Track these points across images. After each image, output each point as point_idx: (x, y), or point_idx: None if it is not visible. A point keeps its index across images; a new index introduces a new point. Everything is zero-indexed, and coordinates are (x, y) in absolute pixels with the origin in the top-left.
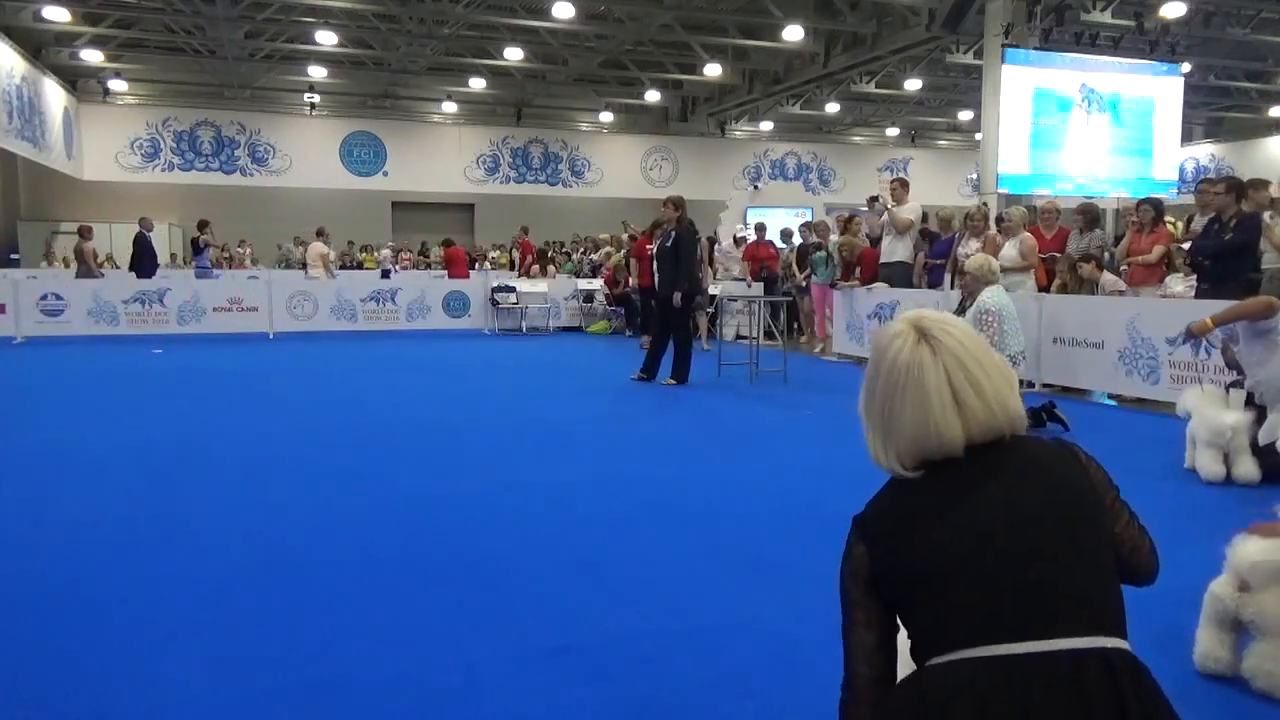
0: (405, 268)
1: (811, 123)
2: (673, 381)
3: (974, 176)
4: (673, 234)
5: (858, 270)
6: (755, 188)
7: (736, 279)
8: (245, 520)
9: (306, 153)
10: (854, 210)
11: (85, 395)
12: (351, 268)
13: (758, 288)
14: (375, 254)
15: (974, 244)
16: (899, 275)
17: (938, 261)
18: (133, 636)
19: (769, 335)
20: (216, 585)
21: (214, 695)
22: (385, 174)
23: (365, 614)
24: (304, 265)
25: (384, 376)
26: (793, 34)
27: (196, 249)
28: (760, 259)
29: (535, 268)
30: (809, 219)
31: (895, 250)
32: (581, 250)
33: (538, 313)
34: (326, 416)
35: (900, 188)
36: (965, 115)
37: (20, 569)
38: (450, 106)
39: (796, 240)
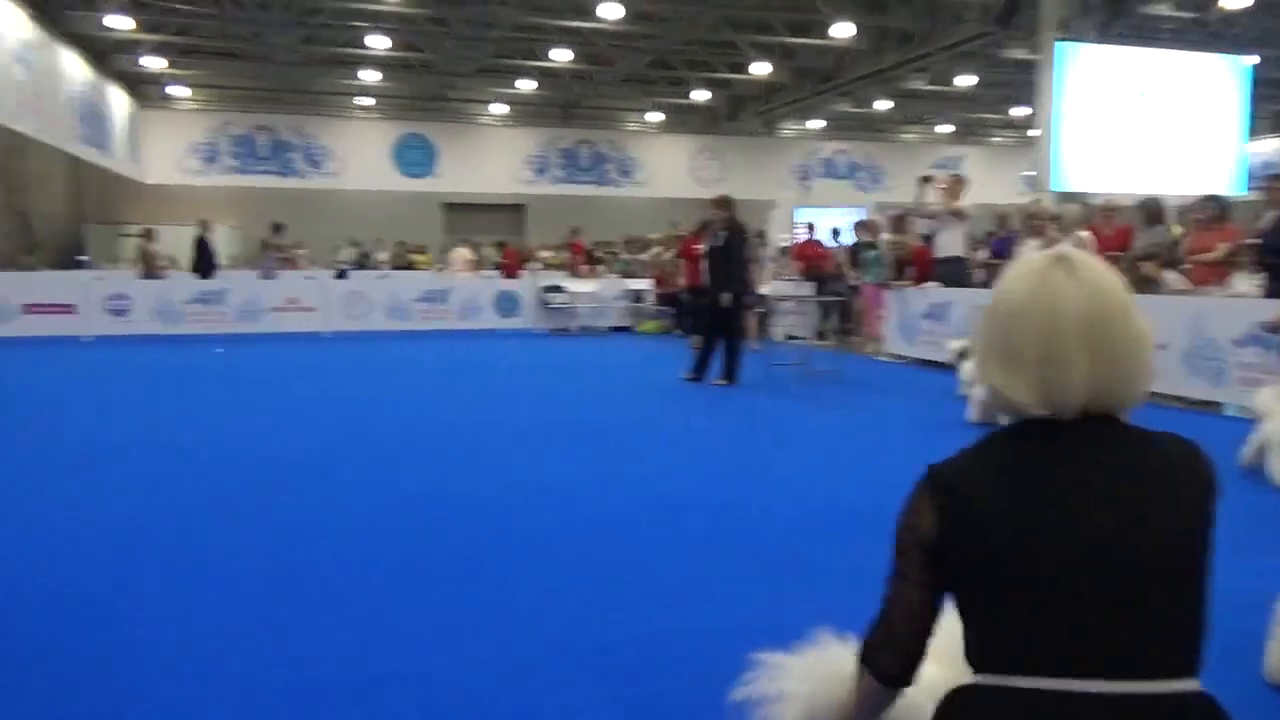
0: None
1: (862, 120)
2: (723, 382)
3: (1029, 173)
4: (723, 234)
5: (909, 270)
6: (806, 187)
7: (788, 279)
8: (288, 518)
9: (359, 155)
10: (906, 209)
11: (147, 394)
12: (402, 268)
13: (808, 287)
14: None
15: (1033, 243)
16: (953, 273)
17: (995, 261)
18: (157, 634)
19: (820, 335)
20: (255, 584)
21: (273, 692)
22: (436, 175)
23: (406, 612)
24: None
25: (435, 376)
26: (842, 31)
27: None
28: (811, 258)
29: (585, 267)
30: (861, 218)
31: (949, 244)
32: (631, 250)
33: (588, 312)
34: (379, 415)
35: (956, 184)
36: (1019, 111)
37: (62, 565)
38: (500, 108)
39: (846, 239)
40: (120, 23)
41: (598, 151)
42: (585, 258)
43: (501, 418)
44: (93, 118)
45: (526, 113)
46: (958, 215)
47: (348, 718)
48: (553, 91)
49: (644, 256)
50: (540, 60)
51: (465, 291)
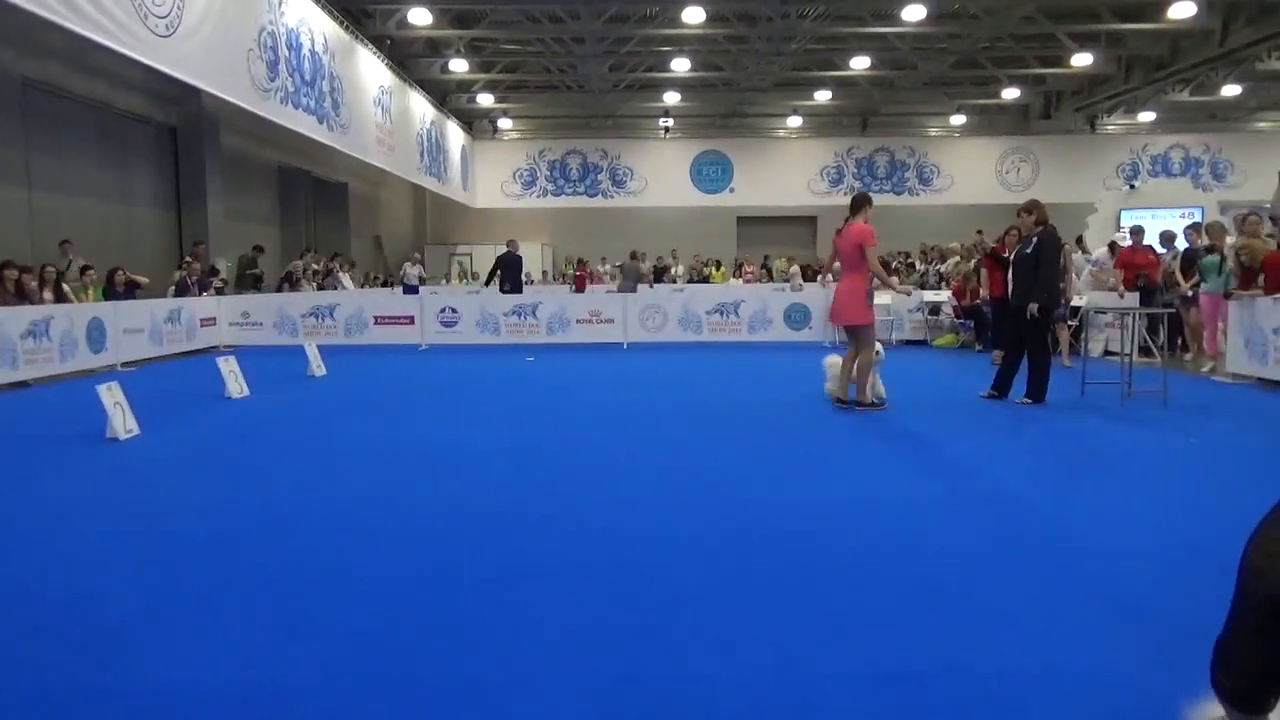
0: (749, 281)
1: (1204, 110)
2: (1028, 400)
3: None
4: (1034, 240)
5: (1260, 278)
6: (1131, 187)
7: (1108, 290)
8: (595, 516)
9: (660, 174)
10: (1256, 208)
11: (470, 398)
12: (697, 282)
13: (1131, 298)
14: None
15: None
16: None
17: None
18: (505, 619)
19: (1145, 352)
20: (574, 574)
21: (574, 675)
22: (732, 190)
23: (706, 614)
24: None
25: (724, 387)
26: (1182, 10)
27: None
28: (1136, 266)
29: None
30: (1198, 220)
31: None
32: (928, 260)
33: (879, 325)
34: (672, 421)
35: None
36: None
37: (401, 553)
38: (795, 120)
39: (1180, 244)
40: (459, 65)
41: (895, 159)
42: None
43: (810, 430)
44: (433, 151)
45: (822, 124)
46: None
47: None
48: (850, 100)
49: (943, 267)
50: (838, 70)
51: (756, 304)
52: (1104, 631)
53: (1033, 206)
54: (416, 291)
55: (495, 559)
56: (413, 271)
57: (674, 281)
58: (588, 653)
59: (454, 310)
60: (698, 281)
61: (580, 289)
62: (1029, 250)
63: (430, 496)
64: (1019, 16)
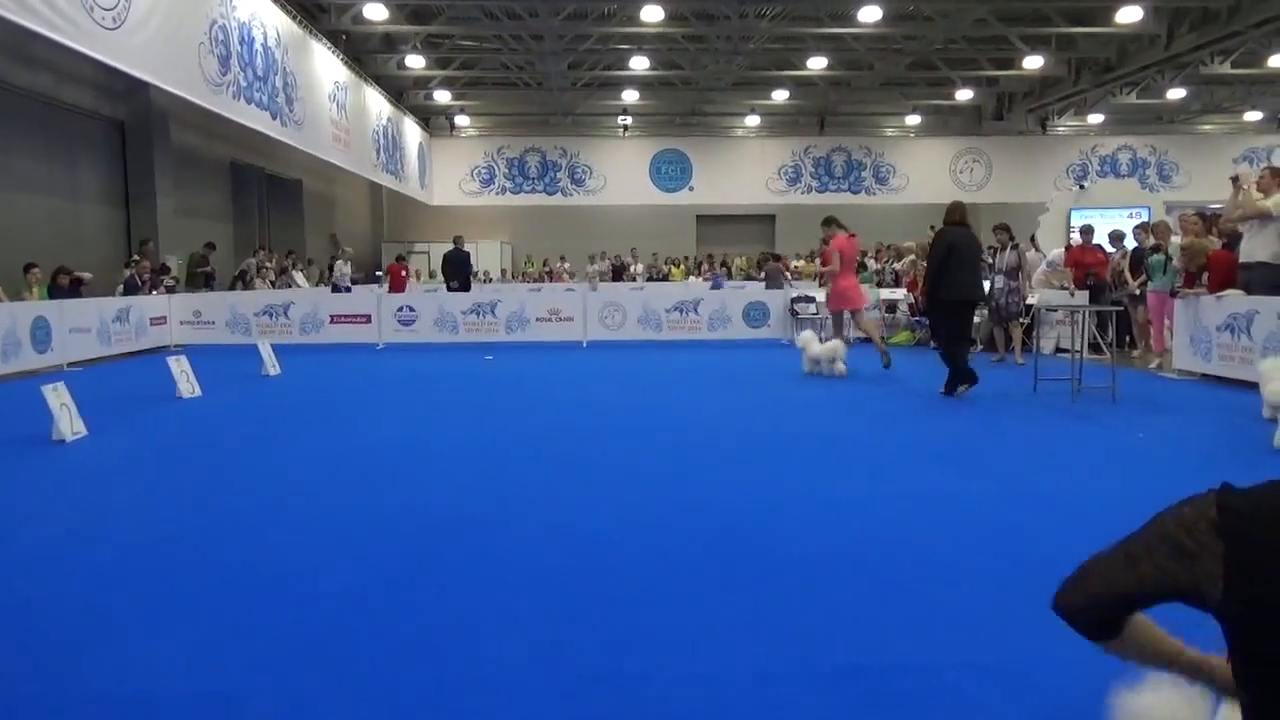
0: (708, 278)
1: (1150, 112)
2: (944, 392)
3: None
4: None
5: (1204, 276)
6: (1081, 187)
7: (1059, 288)
8: (555, 516)
9: (619, 172)
10: (1201, 208)
11: (427, 398)
12: (657, 279)
13: (1081, 296)
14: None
15: None
16: (1261, 280)
17: None
18: (464, 621)
19: (1095, 349)
20: (534, 576)
21: (535, 676)
22: (691, 189)
23: (666, 613)
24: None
25: (681, 384)
26: (1129, 15)
27: None
28: (1086, 265)
29: None
30: (1145, 220)
31: (1256, 249)
32: (882, 260)
33: (839, 322)
34: (633, 420)
35: (1271, 178)
36: None
37: (357, 556)
38: (753, 120)
39: (1129, 244)
40: (415, 61)
41: (852, 159)
42: None
43: (765, 427)
44: (390, 148)
45: (780, 123)
46: (1268, 215)
47: (647, 708)
48: (807, 100)
49: (898, 265)
50: (795, 69)
51: (715, 302)
52: (1059, 624)
53: (947, 209)
54: (349, 291)
55: (454, 561)
56: (345, 269)
57: (633, 280)
58: (550, 653)
59: (411, 309)
60: (657, 279)
61: (398, 289)
62: None
63: (386, 498)
64: (972, 19)
